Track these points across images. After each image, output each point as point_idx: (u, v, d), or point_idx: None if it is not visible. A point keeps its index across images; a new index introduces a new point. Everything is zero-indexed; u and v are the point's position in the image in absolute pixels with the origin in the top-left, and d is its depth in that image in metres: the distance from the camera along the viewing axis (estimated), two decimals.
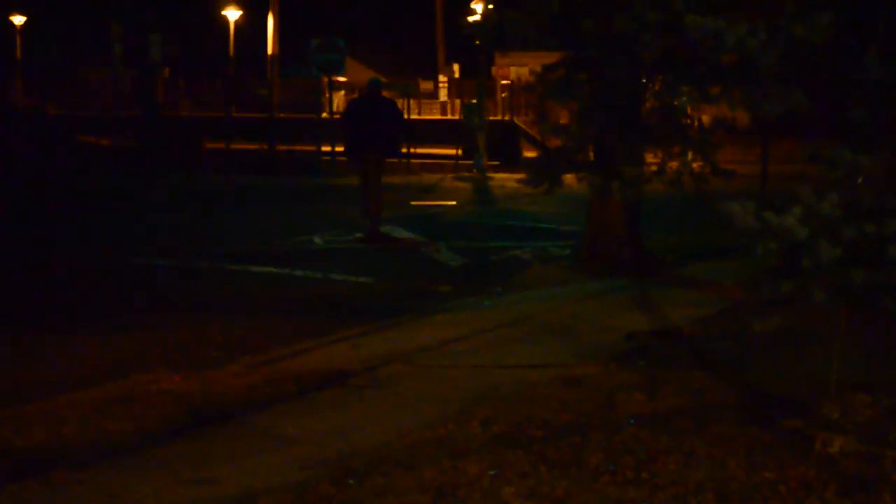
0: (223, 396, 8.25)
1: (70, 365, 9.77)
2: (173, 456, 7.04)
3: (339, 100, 51.72)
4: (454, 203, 25.62)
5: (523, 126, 41.76)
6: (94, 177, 30.72)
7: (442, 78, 57.22)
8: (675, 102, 12.41)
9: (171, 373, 8.88)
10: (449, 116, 50.08)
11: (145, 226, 20.75)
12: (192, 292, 13.58)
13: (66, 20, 59.05)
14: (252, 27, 59.41)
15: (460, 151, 37.70)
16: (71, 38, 57.41)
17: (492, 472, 6.44)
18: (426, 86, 55.24)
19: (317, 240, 18.47)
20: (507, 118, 43.56)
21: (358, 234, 18.42)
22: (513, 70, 46.70)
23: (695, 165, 12.88)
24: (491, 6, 14.34)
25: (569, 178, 14.00)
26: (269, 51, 53.74)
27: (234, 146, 39.75)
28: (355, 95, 40.11)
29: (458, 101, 49.93)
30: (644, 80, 12.13)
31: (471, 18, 35.81)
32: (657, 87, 11.94)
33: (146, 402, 8.00)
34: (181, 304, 12.64)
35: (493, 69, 48.17)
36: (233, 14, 58.25)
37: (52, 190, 27.05)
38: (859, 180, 7.12)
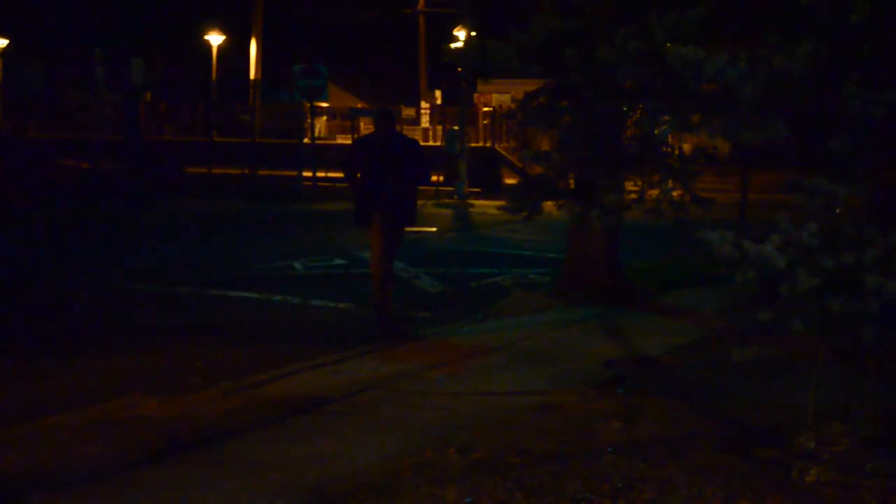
0: (202, 421, 8.24)
1: (48, 389, 9.73)
2: (151, 481, 7.01)
3: (321, 125, 51.79)
4: (435, 229, 25.62)
5: (505, 153, 41.86)
6: (75, 201, 30.63)
7: (424, 104, 57.29)
8: (656, 131, 12.44)
9: (149, 398, 8.87)
10: (431, 143, 50.12)
11: (125, 250, 20.70)
12: (172, 317, 13.55)
13: (48, 43, 58.99)
14: (235, 52, 59.44)
15: (442, 178, 37.72)
16: (53, 62, 57.35)
17: (469, 499, 6.44)
18: (408, 112, 55.28)
19: (297, 265, 18.44)
20: (488, 145, 43.66)
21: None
22: (495, 97, 46.87)
23: (674, 194, 12.91)
24: (473, 33, 14.37)
25: (549, 205, 14.02)
26: (252, 76, 53.79)
27: (216, 171, 39.76)
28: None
29: (439, 128, 50.01)
30: (625, 109, 12.16)
31: (453, 45, 35.89)
32: (637, 116, 11.98)
33: (124, 427, 7.99)
34: (160, 328, 12.61)
35: (475, 96, 48.31)
36: (216, 39, 58.28)
37: (32, 214, 26.96)
38: (837, 210, 7.15)
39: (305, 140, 38.20)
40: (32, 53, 57.31)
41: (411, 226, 13.17)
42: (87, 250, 20.53)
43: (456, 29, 48.43)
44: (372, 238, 12.69)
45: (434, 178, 37.45)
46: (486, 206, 30.48)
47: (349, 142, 41.79)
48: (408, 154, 12.98)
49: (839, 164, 7.30)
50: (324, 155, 38.15)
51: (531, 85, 14.11)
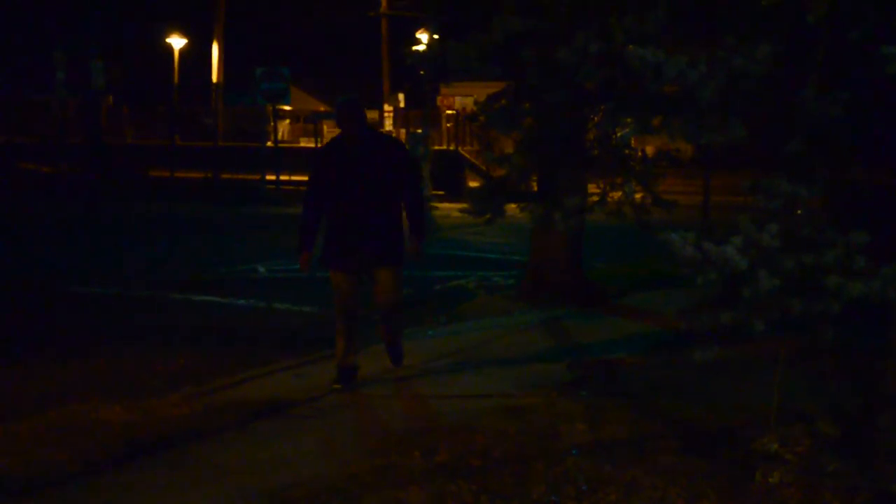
0: (163, 426, 8.20)
1: (7, 395, 9.65)
2: (112, 486, 6.97)
3: (283, 129, 51.68)
4: None
5: (468, 156, 41.91)
6: (35, 204, 30.44)
7: (387, 107, 57.24)
8: (618, 133, 12.48)
9: (111, 402, 8.81)
10: None
11: (86, 254, 20.58)
12: (134, 321, 13.48)
13: (8, 46, 58.62)
14: (197, 55, 59.23)
15: None
16: (13, 64, 56.98)
17: (433, 503, 6.43)
18: (371, 115, 55.22)
19: (261, 269, 18.39)
20: (451, 148, 43.70)
21: None
22: (457, 100, 46.87)
23: (637, 196, 12.96)
24: (436, 36, 14.34)
25: (512, 207, 14.04)
26: (214, 79, 53.63)
27: (179, 174, 39.59)
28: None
29: (403, 131, 50.00)
30: (586, 111, 12.20)
31: (415, 48, 35.90)
32: (599, 118, 12.01)
33: (85, 432, 7.93)
34: (122, 333, 12.53)
35: (439, 99, 48.33)
36: (177, 42, 58.05)
37: None
38: (798, 211, 7.18)
39: (268, 143, 38.13)
40: None
41: (397, 265, 9.73)
42: (47, 254, 20.39)
43: (418, 32, 48.44)
44: (342, 283, 9.77)
45: None
46: (449, 209, 30.48)
47: (313, 145, 41.67)
48: (391, 161, 9.56)
49: (798, 165, 7.33)
50: (287, 158, 38.08)
51: (494, 88, 14.17)
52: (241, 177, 38.79)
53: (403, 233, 9.69)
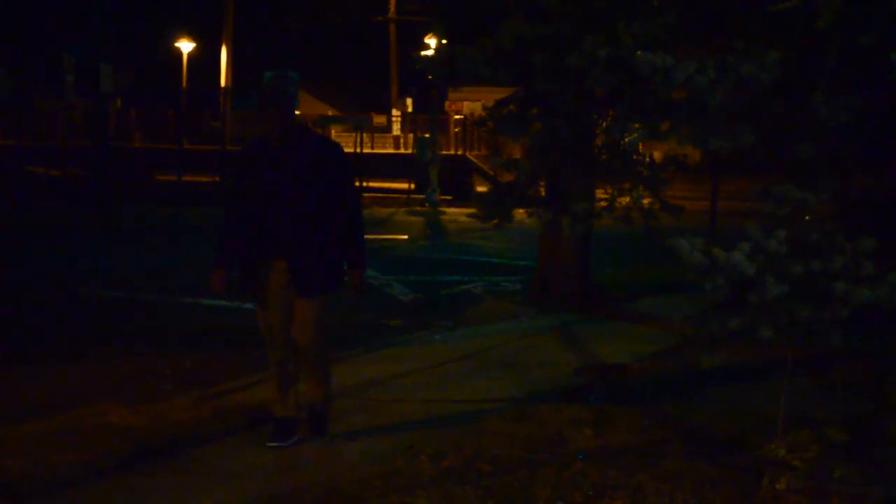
0: (171, 429, 8.19)
1: (16, 398, 9.66)
2: (119, 490, 6.97)
3: None
4: (406, 237, 25.60)
5: (476, 161, 41.91)
6: (43, 208, 30.49)
7: (395, 112, 57.32)
8: (626, 138, 12.49)
9: (118, 406, 8.81)
10: (402, 151, 50.15)
11: (95, 257, 20.60)
12: (142, 324, 13.48)
13: (17, 49, 58.77)
14: (205, 59, 59.32)
15: (413, 186, 37.76)
16: (22, 68, 57.13)
17: None
18: (379, 120, 55.29)
19: None
20: (459, 153, 43.69)
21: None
22: (466, 105, 46.89)
23: (644, 201, 12.96)
24: (444, 41, 14.34)
25: (520, 212, 14.04)
26: (223, 83, 53.69)
27: (187, 178, 39.60)
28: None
29: (411, 136, 50.04)
30: (595, 116, 12.20)
31: (424, 53, 35.92)
32: (607, 124, 12.02)
33: (93, 436, 7.92)
34: (130, 336, 12.53)
35: (447, 104, 48.33)
36: (186, 46, 58.15)
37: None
38: (806, 217, 7.18)
39: None
40: (1, 60, 57.07)
41: (335, 290, 8.08)
42: (56, 257, 20.41)
43: (427, 37, 48.46)
44: (270, 306, 8.04)
45: (405, 185, 37.57)
46: (457, 214, 30.51)
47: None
48: (325, 169, 7.84)
49: (807, 171, 7.33)
50: None
51: (502, 93, 14.16)
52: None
53: (335, 259, 7.97)
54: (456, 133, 46.73)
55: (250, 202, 7.81)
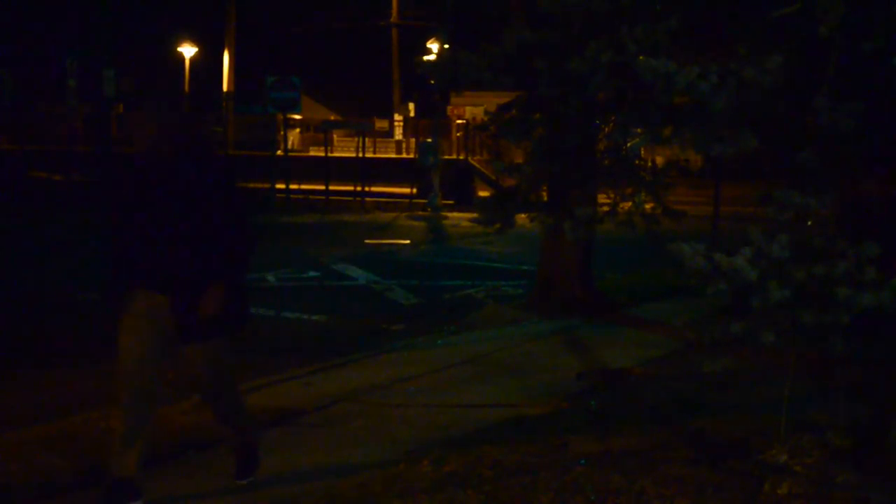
0: (173, 434, 8.19)
1: (18, 402, 9.66)
2: None
3: (294, 137, 51.75)
4: (408, 242, 25.60)
5: (478, 165, 41.91)
6: (46, 212, 30.49)
7: (397, 117, 57.37)
8: (628, 143, 12.48)
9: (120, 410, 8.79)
10: (404, 155, 50.20)
11: (97, 262, 20.58)
12: None
13: (19, 54, 58.79)
14: (208, 64, 59.36)
15: (415, 190, 37.75)
16: (24, 73, 57.15)
17: None
18: (381, 124, 55.35)
19: (270, 277, 18.39)
20: (461, 157, 43.69)
21: None
22: (468, 109, 46.94)
23: (646, 206, 12.95)
24: (446, 46, 14.34)
25: (522, 217, 14.03)
26: (225, 88, 53.73)
27: None
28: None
29: (413, 140, 50.07)
30: (597, 122, 12.19)
31: (426, 58, 35.93)
32: (609, 129, 12.01)
33: (94, 440, 7.93)
34: None
35: (449, 108, 48.38)
36: (188, 51, 58.20)
37: (1, 226, 26.81)
38: (809, 222, 7.17)
39: (278, 152, 38.16)
40: (3, 64, 57.13)
41: (237, 330, 7.37)
42: (58, 262, 20.41)
43: (429, 41, 48.54)
44: (133, 338, 7.34)
45: (407, 190, 37.54)
46: (459, 218, 30.51)
47: (323, 154, 41.61)
48: (202, 191, 6.70)
49: (810, 176, 7.32)
50: (297, 167, 38.13)
51: (504, 97, 14.11)
52: (250, 185, 38.82)
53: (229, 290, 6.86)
54: (458, 137, 46.76)
55: (130, 222, 6.76)
